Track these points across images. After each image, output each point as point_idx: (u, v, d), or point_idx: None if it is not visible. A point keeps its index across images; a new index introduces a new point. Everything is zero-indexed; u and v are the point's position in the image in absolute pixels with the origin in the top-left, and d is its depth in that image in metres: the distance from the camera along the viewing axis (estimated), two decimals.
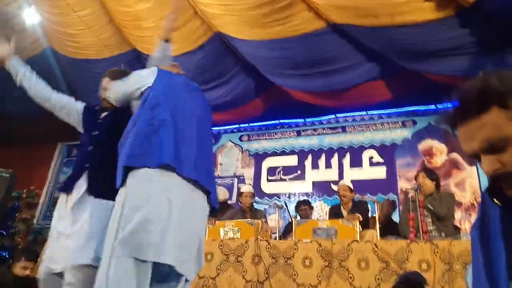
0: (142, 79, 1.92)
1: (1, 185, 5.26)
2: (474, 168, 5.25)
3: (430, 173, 3.86)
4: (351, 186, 4.47)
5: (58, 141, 7.88)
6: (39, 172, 7.59)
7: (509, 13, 3.59)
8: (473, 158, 0.87)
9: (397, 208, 4.83)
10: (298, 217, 4.79)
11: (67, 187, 1.98)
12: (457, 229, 3.72)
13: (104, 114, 2.18)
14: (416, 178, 3.84)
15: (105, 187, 1.82)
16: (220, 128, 7.24)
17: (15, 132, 7.19)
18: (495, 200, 0.86)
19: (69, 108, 2.22)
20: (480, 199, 0.96)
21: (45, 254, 1.93)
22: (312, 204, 5.36)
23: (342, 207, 4.39)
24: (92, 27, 5.13)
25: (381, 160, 5.95)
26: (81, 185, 1.93)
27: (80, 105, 2.25)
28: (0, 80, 6.20)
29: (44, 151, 7.75)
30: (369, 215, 4.24)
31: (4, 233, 6.18)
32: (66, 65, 5.78)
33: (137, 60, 5.67)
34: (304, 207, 4.94)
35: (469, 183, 5.33)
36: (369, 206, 4.30)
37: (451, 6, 3.72)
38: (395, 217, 4.56)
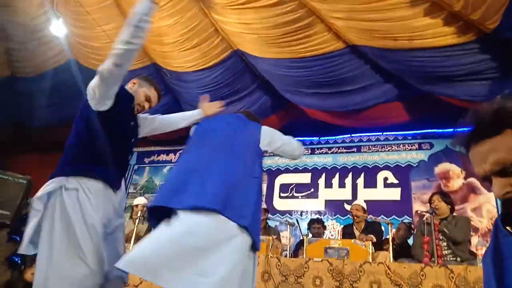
0: None
1: (18, 191, 5.35)
2: (492, 193, 5.15)
3: (445, 196, 3.81)
4: (365, 206, 4.43)
5: None
6: None
7: None
8: (485, 181, 0.86)
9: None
10: (310, 235, 4.76)
11: (116, 183, 1.97)
12: (473, 255, 3.63)
13: (134, 120, 2.16)
14: (430, 200, 3.79)
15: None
16: None
17: (34, 141, 7.38)
18: (508, 228, 0.86)
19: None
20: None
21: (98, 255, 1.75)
22: (325, 224, 5.32)
23: (354, 227, 4.35)
24: (115, 40, 5.29)
25: (395, 181, 5.89)
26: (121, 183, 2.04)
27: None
28: (25, 92, 6.51)
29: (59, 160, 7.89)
30: (383, 236, 4.19)
31: (18, 239, 6.26)
32: (89, 77, 5.93)
33: (156, 73, 5.80)
34: (317, 225, 4.91)
35: (486, 209, 5.22)
36: (382, 227, 4.24)
37: (472, 32, 3.73)
38: (411, 241, 4.49)
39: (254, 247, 1.69)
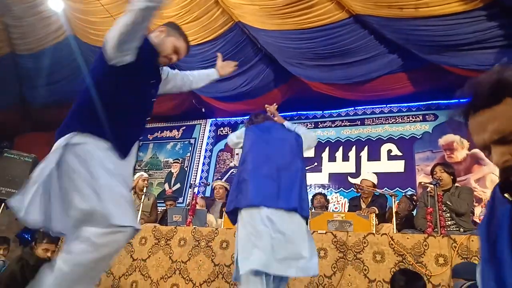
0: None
1: (24, 169, 5.43)
2: None
3: (447, 166, 3.81)
4: (375, 181, 4.44)
5: None
6: None
7: None
8: (483, 150, 0.86)
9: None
10: (313, 209, 4.81)
11: (127, 148, 1.75)
12: (476, 225, 3.67)
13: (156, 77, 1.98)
14: (432, 171, 3.79)
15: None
16: (237, 118, 7.27)
17: (40, 119, 7.39)
18: (505, 195, 0.85)
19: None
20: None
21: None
22: (328, 197, 5.35)
23: (361, 200, 4.39)
24: (114, 15, 5.19)
25: (399, 153, 5.88)
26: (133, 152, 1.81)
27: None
28: (28, 70, 6.46)
29: None
30: (387, 209, 4.22)
31: None
32: (88, 52, 5.87)
33: None
34: (320, 199, 4.95)
35: (490, 179, 5.23)
36: (388, 200, 4.27)
37: None
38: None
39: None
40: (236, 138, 2.71)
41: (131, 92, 1.78)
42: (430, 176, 3.91)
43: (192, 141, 7.57)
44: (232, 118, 7.39)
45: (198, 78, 2.34)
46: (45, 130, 7.65)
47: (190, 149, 7.50)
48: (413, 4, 3.92)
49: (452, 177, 3.67)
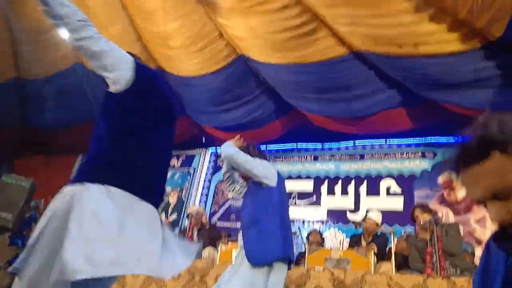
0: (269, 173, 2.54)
1: (21, 194, 5.36)
2: None
3: (425, 207, 3.84)
4: (379, 221, 4.38)
5: (80, 153, 8.05)
6: (58, 182, 7.69)
7: None
8: (479, 204, 0.84)
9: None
10: (308, 246, 4.72)
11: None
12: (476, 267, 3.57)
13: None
14: (412, 215, 3.81)
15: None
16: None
17: (38, 143, 7.40)
18: (501, 245, 0.84)
19: None
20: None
21: None
22: (326, 232, 5.26)
23: (363, 237, 4.32)
24: (120, 44, 5.30)
25: (399, 190, 5.82)
26: None
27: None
28: (33, 95, 6.54)
29: (64, 163, 7.90)
30: (387, 248, 4.14)
31: (20, 242, 6.25)
32: (94, 81, 5.96)
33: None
34: (315, 235, 4.88)
35: (490, 220, 5.14)
36: (388, 239, 4.20)
37: (477, 39, 3.70)
38: None
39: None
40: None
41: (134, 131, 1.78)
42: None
43: (191, 170, 7.54)
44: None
45: None
46: (45, 153, 7.66)
47: (189, 178, 7.45)
48: (412, 42, 4.00)
49: (433, 216, 3.64)
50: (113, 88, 1.66)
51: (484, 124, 0.82)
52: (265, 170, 2.52)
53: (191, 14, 4.76)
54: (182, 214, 7.01)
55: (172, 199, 7.27)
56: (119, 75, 1.67)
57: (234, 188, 2.84)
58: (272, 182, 2.51)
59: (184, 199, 7.19)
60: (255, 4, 4.32)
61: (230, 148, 2.63)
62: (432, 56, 3.98)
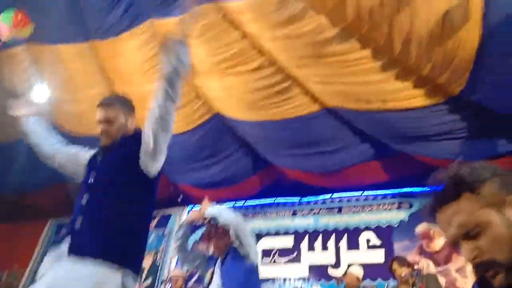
0: None
1: None
2: None
3: (402, 260, 3.88)
4: (361, 276, 4.33)
5: (50, 217, 7.64)
6: (25, 250, 7.21)
7: (494, 103, 3.84)
8: (455, 246, 0.89)
9: None
10: None
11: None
12: None
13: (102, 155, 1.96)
14: (390, 269, 3.82)
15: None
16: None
17: (1, 208, 7.00)
18: None
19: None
20: None
21: None
22: None
23: None
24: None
25: (378, 243, 5.81)
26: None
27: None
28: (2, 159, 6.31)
29: (32, 228, 7.44)
30: None
31: None
32: (68, 142, 5.86)
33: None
34: None
35: (470, 269, 5.16)
36: None
37: (440, 94, 3.97)
38: None
39: None
40: None
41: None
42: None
43: (166, 231, 7.27)
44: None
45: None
46: (9, 220, 7.19)
47: (164, 239, 7.16)
48: (381, 98, 4.24)
49: (411, 268, 3.67)
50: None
51: (456, 169, 0.89)
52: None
53: None
54: (157, 279, 6.64)
55: (146, 262, 6.92)
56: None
57: (195, 262, 2.71)
58: (256, 257, 2.41)
59: (158, 262, 6.86)
60: (230, 66, 4.51)
61: (232, 215, 2.54)
62: (400, 111, 4.21)
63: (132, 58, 4.84)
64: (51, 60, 4.91)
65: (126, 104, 2.08)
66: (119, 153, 1.90)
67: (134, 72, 4.94)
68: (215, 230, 2.63)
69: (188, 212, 7.29)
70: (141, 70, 4.87)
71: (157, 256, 6.93)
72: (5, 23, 3.74)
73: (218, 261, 2.53)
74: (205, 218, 2.54)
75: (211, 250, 2.74)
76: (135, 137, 1.92)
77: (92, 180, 1.83)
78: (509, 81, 3.45)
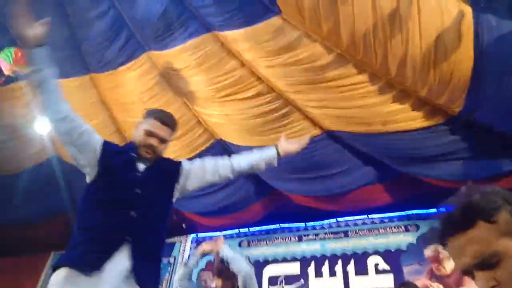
0: None
1: None
2: None
3: (412, 285, 3.76)
4: None
5: (52, 250, 7.58)
6: (28, 284, 7.12)
7: (495, 123, 3.80)
8: (466, 274, 0.85)
9: None
10: None
11: (93, 266, 1.51)
12: None
13: (143, 166, 1.84)
14: None
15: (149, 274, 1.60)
16: (218, 233, 7.06)
17: (2, 241, 6.97)
18: None
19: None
20: None
21: None
22: None
23: None
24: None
25: (387, 267, 5.67)
26: (118, 265, 1.56)
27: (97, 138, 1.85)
28: (2, 191, 6.33)
29: (33, 261, 7.34)
30: None
31: None
32: (69, 172, 5.89)
33: None
34: None
35: None
36: None
37: (440, 115, 3.95)
38: None
39: None
40: None
41: (100, 208, 1.66)
42: None
43: (171, 260, 7.17)
44: (214, 233, 7.17)
45: (244, 160, 2.11)
46: (12, 254, 7.12)
47: (169, 269, 7.06)
48: (380, 121, 4.23)
49: None
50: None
51: (467, 194, 0.85)
52: None
53: (168, 105, 4.94)
54: None
55: None
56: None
57: None
58: None
59: None
60: (229, 94, 4.55)
61: (246, 265, 2.58)
62: (400, 132, 4.18)
63: (132, 88, 4.92)
64: None
65: (176, 130, 2.03)
66: (167, 173, 1.87)
67: (135, 101, 5.00)
68: (226, 270, 2.67)
69: (194, 241, 7.22)
70: (141, 99, 4.93)
71: (162, 287, 6.82)
72: (5, 60, 3.84)
73: None
74: (218, 253, 2.58)
75: (214, 285, 2.77)
76: (174, 163, 1.94)
77: (139, 191, 1.73)
78: (506, 99, 3.42)
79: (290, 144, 2.21)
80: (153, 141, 1.86)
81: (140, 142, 1.86)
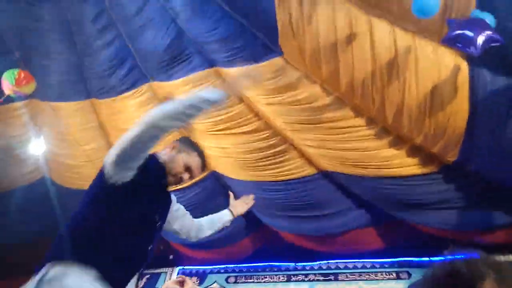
0: None
1: None
2: None
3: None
4: None
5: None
6: None
7: (489, 175, 3.83)
8: None
9: None
10: None
11: (117, 283, 1.47)
12: None
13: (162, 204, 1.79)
14: None
15: None
16: (206, 267, 6.89)
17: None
18: None
19: None
20: None
21: None
22: None
23: None
24: (94, 160, 5.34)
25: None
26: None
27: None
28: None
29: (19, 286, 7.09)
30: None
31: None
32: (63, 195, 5.82)
33: None
34: None
35: None
36: None
37: (435, 163, 3.97)
38: None
39: None
40: None
41: (130, 214, 1.57)
42: None
43: None
44: (201, 267, 7.00)
45: (209, 223, 2.10)
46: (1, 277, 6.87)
47: None
48: (375, 165, 4.24)
49: None
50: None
51: (451, 263, 0.85)
52: None
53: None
54: None
55: None
56: None
57: None
58: None
59: None
60: (227, 128, 4.59)
61: None
62: (394, 177, 4.19)
63: (131, 115, 4.94)
64: (50, 115, 5.01)
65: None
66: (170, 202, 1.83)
67: None
68: None
69: (180, 273, 7.04)
70: None
71: None
72: (7, 81, 3.88)
73: None
74: None
75: None
76: (169, 194, 1.93)
77: (158, 220, 1.71)
78: (500, 152, 3.46)
79: (240, 206, 2.26)
80: (186, 177, 1.82)
81: (175, 172, 1.77)
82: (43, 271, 1.43)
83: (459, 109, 3.35)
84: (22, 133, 5.09)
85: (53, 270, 1.42)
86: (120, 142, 1.53)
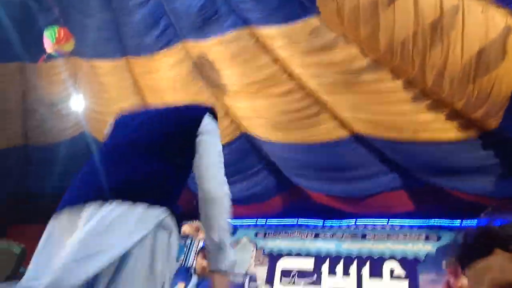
0: None
1: (10, 260, 5.19)
2: None
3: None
4: None
5: None
6: None
7: None
8: None
9: None
10: None
11: None
12: None
13: None
14: None
15: None
16: (236, 222, 7.15)
17: (39, 209, 7.28)
18: None
19: None
20: None
21: None
22: None
23: None
24: None
25: (402, 273, 5.63)
26: None
27: None
28: (39, 162, 6.62)
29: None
30: None
31: None
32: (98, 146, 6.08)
33: None
34: None
35: None
36: None
37: (474, 129, 3.84)
38: None
39: None
40: None
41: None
42: None
43: (188, 241, 7.33)
44: (231, 221, 7.29)
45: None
46: (44, 222, 7.45)
47: (185, 250, 7.23)
48: (411, 129, 4.15)
49: None
50: None
51: (486, 224, 0.87)
52: None
53: (198, 94, 5.01)
54: None
55: None
56: None
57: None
58: None
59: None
60: (260, 89, 4.56)
61: None
62: (431, 142, 4.10)
63: (165, 75, 5.00)
64: (88, 73, 5.14)
65: None
66: None
67: (166, 88, 5.09)
68: None
69: None
70: (172, 88, 5.01)
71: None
72: (49, 39, 3.97)
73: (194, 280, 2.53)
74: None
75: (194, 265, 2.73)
76: None
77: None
78: None
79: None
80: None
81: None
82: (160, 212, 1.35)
83: (506, 73, 3.17)
84: (63, 89, 5.28)
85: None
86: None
